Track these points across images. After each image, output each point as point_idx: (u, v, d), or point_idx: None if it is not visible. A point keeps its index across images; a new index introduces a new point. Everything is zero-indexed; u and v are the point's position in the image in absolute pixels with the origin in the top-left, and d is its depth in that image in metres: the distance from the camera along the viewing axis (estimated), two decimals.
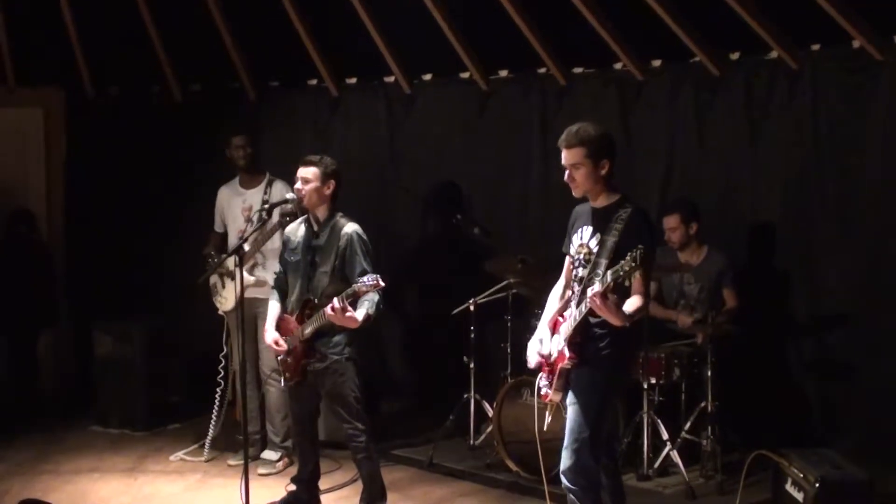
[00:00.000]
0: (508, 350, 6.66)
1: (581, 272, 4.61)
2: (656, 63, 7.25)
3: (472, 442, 6.80)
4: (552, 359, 4.66)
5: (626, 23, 7.01)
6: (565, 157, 4.59)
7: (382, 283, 5.08)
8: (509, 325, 6.68)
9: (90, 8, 7.92)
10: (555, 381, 4.59)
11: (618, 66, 7.33)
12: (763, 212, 6.94)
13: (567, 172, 4.61)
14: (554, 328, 4.73)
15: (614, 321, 4.38)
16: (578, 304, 4.52)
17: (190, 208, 7.94)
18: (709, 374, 6.10)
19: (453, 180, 7.91)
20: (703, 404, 6.14)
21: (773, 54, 6.75)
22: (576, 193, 4.66)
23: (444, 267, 7.87)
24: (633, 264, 4.16)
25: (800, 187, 6.80)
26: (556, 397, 4.62)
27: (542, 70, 7.55)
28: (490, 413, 6.52)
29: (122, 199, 8.41)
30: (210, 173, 7.27)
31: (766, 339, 6.81)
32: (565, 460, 4.58)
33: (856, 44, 6.44)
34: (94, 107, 8.59)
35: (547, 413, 4.74)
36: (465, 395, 6.77)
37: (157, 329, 7.74)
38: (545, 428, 4.76)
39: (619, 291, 4.38)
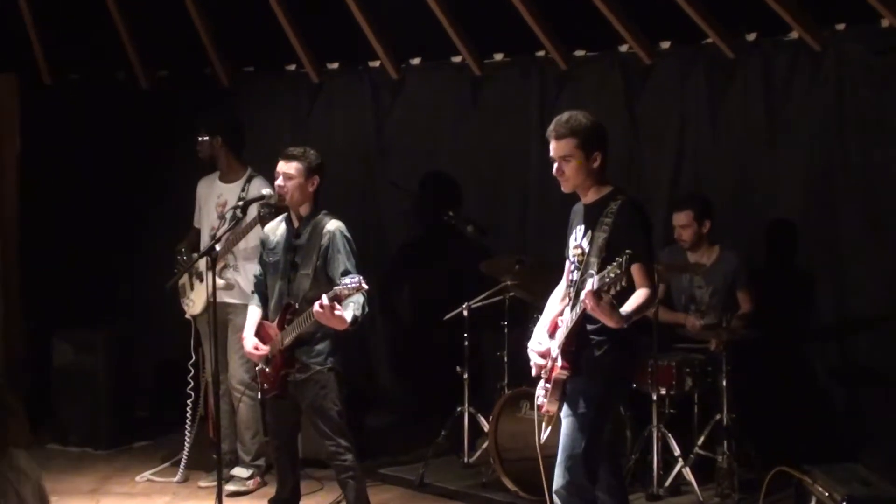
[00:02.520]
0: (505, 359, 6.64)
1: (575, 275, 4.61)
2: (665, 45, 7.25)
3: (466, 459, 6.78)
4: (548, 367, 4.65)
5: (632, 1, 6.98)
6: (554, 148, 4.61)
7: (365, 286, 5.05)
8: (506, 331, 6.66)
9: None
10: (550, 391, 4.58)
11: (623, 48, 7.32)
12: (783, 207, 6.92)
13: (556, 165, 4.62)
14: (552, 334, 4.72)
15: (610, 323, 4.35)
16: (573, 309, 4.52)
17: (158, 205, 7.92)
18: (724, 383, 6.09)
19: (445, 173, 7.88)
20: (717, 417, 6.13)
21: (794, 35, 6.74)
22: (565, 188, 4.67)
23: (435, 268, 7.84)
24: (619, 271, 4.15)
25: (823, 180, 6.78)
26: (552, 409, 4.60)
27: (541, 53, 7.55)
28: (486, 428, 6.50)
29: (84, 195, 8.35)
30: (179, 166, 7.25)
31: (788, 345, 6.79)
32: (558, 478, 4.58)
33: (884, 22, 6.43)
34: (51, 95, 8.51)
35: (544, 426, 4.71)
36: (459, 409, 6.75)
37: (122, 337, 7.69)
38: (542, 442, 4.72)
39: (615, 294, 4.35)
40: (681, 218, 6.53)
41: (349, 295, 5.09)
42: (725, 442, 6.05)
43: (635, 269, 4.38)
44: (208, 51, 8.20)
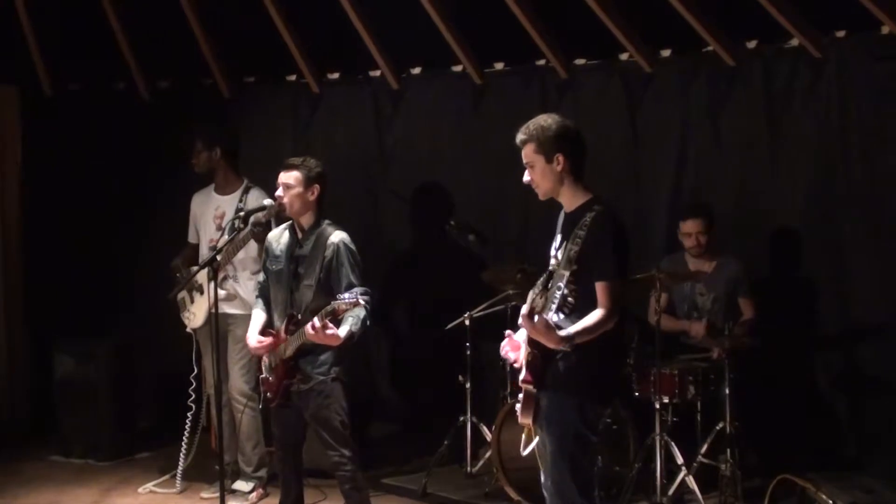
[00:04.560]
0: (508, 368, 6.59)
1: (550, 284, 4.47)
2: (666, 53, 7.25)
3: (469, 469, 6.77)
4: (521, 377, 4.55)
5: (633, 10, 6.98)
6: (523, 155, 4.52)
7: (361, 301, 5.03)
8: None
9: None
10: (522, 403, 4.46)
11: (624, 56, 7.32)
12: (785, 214, 6.92)
13: (526, 172, 4.52)
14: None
15: (550, 344, 4.23)
16: None
17: (159, 215, 7.91)
18: (727, 391, 6.06)
19: (446, 182, 7.88)
20: (720, 425, 6.10)
21: (794, 42, 6.74)
22: (539, 195, 4.56)
23: (436, 278, 7.82)
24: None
25: (825, 187, 6.79)
26: (523, 421, 4.48)
27: (542, 62, 7.54)
28: (488, 437, 6.49)
29: (85, 206, 8.34)
30: (180, 178, 7.22)
31: (791, 353, 6.78)
32: (551, 499, 4.47)
33: (885, 29, 6.43)
34: (52, 106, 8.52)
35: (524, 436, 4.60)
36: (461, 418, 6.74)
37: (123, 348, 7.67)
38: (523, 453, 4.61)
39: (575, 308, 4.29)
40: (691, 226, 6.51)
41: (346, 310, 5.08)
42: (729, 450, 6.01)
43: (599, 288, 4.27)
44: (209, 61, 8.19)
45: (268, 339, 5.47)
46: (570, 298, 4.32)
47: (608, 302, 4.28)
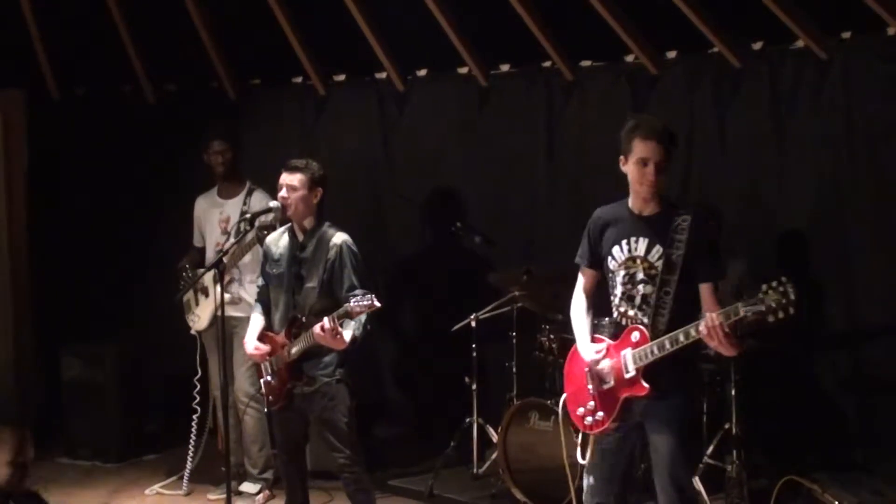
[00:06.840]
0: (514, 370, 6.61)
1: (643, 289, 4.50)
2: (671, 55, 7.23)
3: (475, 470, 6.76)
4: (606, 387, 4.57)
5: (638, 11, 6.96)
6: (657, 152, 4.47)
7: (378, 304, 4.98)
8: (514, 342, 6.62)
9: (53, 1, 7.85)
10: (617, 410, 4.52)
11: (629, 58, 7.29)
12: (791, 216, 6.89)
13: (653, 169, 4.47)
14: (604, 350, 4.63)
15: (729, 353, 4.37)
16: (653, 327, 4.43)
17: (166, 218, 7.90)
18: (733, 392, 6.06)
19: (451, 184, 7.86)
20: (726, 426, 6.11)
21: (800, 43, 6.71)
22: (649, 193, 4.52)
23: (442, 280, 7.82)
24: (784, 301, 4.10)
25: (832, 189, 6.76)
26: (612, 427, 4.57)
27: (547, 64, 7.52)
28: (495, 439, 6.48)
29: (91, 210, 8.34)
30: (187, 180, 7.24)
31: (797, 354, 6.76)
32: (670, 495, 4.51)
33: (890, 30, 6.42)
34: (58, 109, 8.52)
35: (591, 446, 4.66)
36: (468, 420, 6.74)
37: (130, 351, 7.69)
38: (583, 461, 4.70)
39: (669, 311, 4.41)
40: None
41: (360, 313, 5.04)
42: (735, 451, 6.01)
43: (707, 289, 4.43)
44: (215, 64, 8.18)
45: (266, 346, 5.46)
46: (667, 301, 4.42)
47: (715, 302, 4.41)
